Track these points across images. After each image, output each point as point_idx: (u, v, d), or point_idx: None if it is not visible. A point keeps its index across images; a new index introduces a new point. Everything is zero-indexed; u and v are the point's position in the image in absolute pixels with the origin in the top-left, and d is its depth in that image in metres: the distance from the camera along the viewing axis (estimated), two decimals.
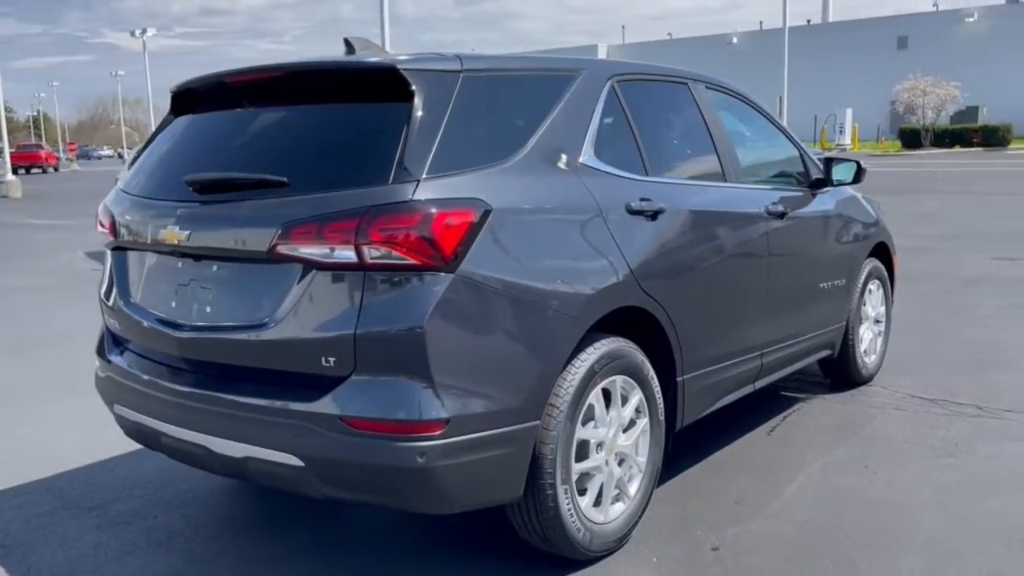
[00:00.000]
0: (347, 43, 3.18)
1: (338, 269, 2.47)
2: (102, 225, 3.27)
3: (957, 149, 41.91)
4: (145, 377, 2.94)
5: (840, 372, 4.99)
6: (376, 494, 2.58)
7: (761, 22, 72.05)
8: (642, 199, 3.14)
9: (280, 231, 2.52)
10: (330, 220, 2.46)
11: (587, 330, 2.82)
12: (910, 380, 5.18)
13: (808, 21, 66.39)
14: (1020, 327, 6.51)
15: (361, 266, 2.44)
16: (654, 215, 3.18)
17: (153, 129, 3.45)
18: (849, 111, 44.71)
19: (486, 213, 2.55)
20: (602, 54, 66.21)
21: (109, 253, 3.25)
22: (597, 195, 2.99)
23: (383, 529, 3.39)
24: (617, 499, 3.04)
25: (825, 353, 4.72)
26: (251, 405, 2.61)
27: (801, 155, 4.57)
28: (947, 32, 56.80)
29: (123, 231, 3.09)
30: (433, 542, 3.24)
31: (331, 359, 2.47)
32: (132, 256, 3.12)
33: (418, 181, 2.48)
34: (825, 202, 4.57)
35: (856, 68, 58.23)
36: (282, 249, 2.53)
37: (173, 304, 2.87)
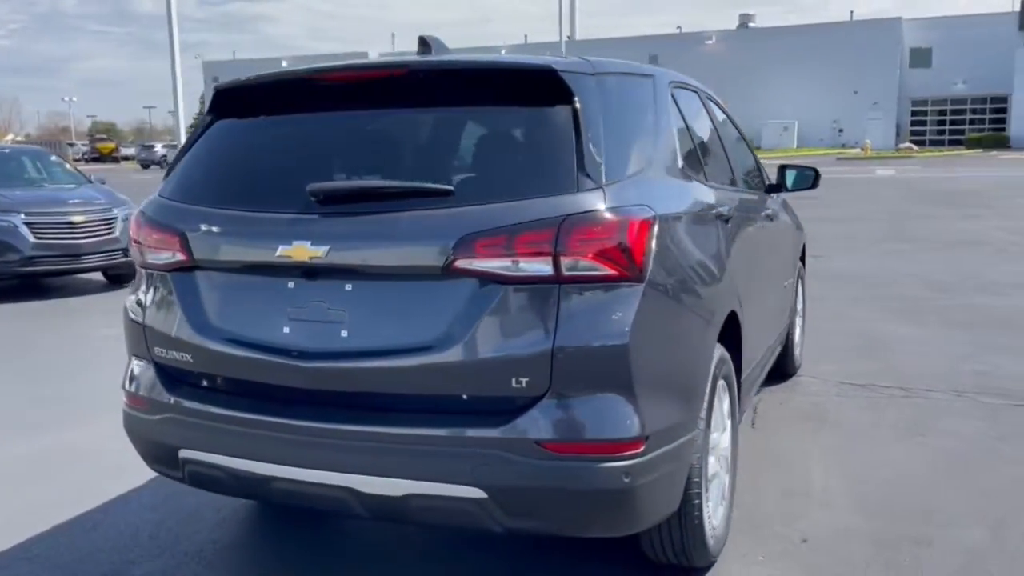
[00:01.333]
0: (423, 42, 2.95)
1: (530, 283, 2.29)
2: (138, 243, 2.79)
3: None
4: (243, 415, 2.54)
5: (780, 365, 5.35)
6: (567, 522, 2.42)
7: (526, 36, 74.95)
8: (719, 204, 3.20)
9: (459, 244, 2.30)
10: (521, 231, 2.28)
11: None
12: (826, 368, 5.65)
13: (569, 38, 70.03)
14: (874, 316, 7.33)
15: (557, 279, 2.28)
16: (727, 220, 3.25)
17: None
18: None
19: (654, 219, 2.48)
20: None
21: (167, 275, 2.74)
22: (701, 201, 3.01)
23: (463, 551, 3.18)
24: (719, 502, 3.08)
25: (779, 348, 5.05)
26: (416, 436, 2.34)
27: (755, 160, 4.85)
28: (691, 52, 62.41)
29: (203, 248, 2.65)
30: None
31: (523, 379, 2.29)
32: (207, 276, 2.67)
33: (602, 188, 2.36)
34: (780, 206, 4.89)
35: None
36: (462, 264, 2.30)
37: (285, 330, 2.50)
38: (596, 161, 2.40)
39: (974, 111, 58.19)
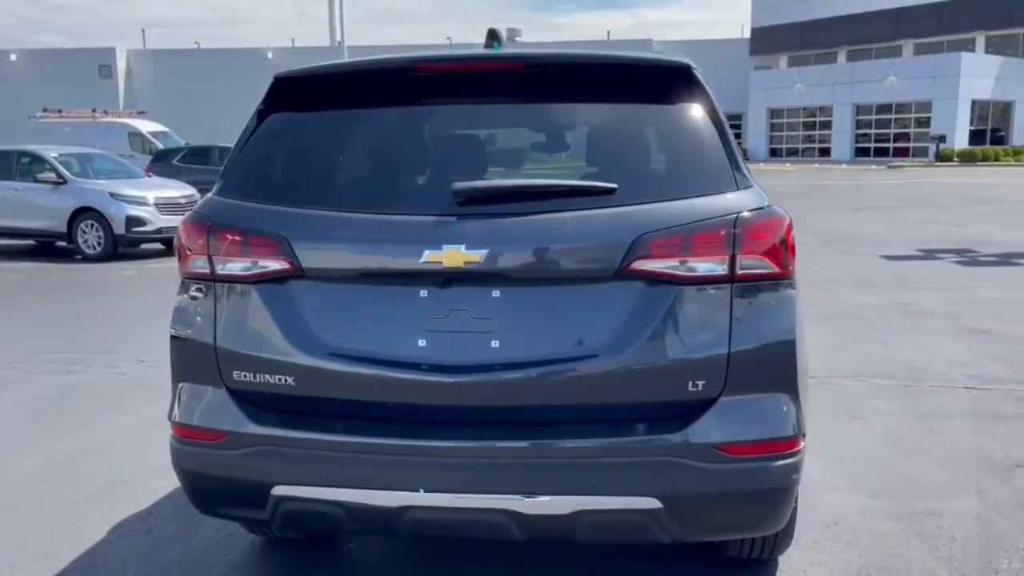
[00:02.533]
0: (493, 34, 2.80)
1: (704, 283, 2.25)
2: (197, 251, 2.41)
3: None
4: (369, 440, 2.27)
5: None
6: (733, 525, 2.38)
7: (293, 39, 72.80)
8: None
9: (635, 245, 2.20)
10: (696, 230, 2.23)
11: None
12: None
13: (339, 43, 68.98)
14: None
15: (730, 278, 2.25)
16: None
17: None
18: None
19: None
20: (121, 60, 60.77)
21: (250, 287, 2.38)
22: None
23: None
24: None
25: None
26: (584, 449, 2.22)
27: None
28: None
29: (318, 256, 2.33)
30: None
31: (700, 382, 2.23)
32: (313, 287, 2.35)
33: (753, 185, 2.37)
34: None
35: None
36: (639, 265, 2.21)
37: (421, 343, 2.26)
38: (738, 158, 2.40)
39: None
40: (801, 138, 54.39)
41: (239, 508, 2.48)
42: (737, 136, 63.59)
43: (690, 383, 2.24)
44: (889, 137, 48.36)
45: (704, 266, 2.24)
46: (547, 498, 2.23)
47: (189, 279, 2.49)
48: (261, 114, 2.57)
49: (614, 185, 2.29)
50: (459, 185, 2.26)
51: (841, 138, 50.83)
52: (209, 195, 2.55)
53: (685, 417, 2.25)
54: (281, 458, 2.33)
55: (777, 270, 2.32)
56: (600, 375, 2.22)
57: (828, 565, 3.05)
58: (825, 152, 51.81)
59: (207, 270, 2.43)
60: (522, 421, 2.28)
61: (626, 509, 2.24)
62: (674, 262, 2.23)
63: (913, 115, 47.46)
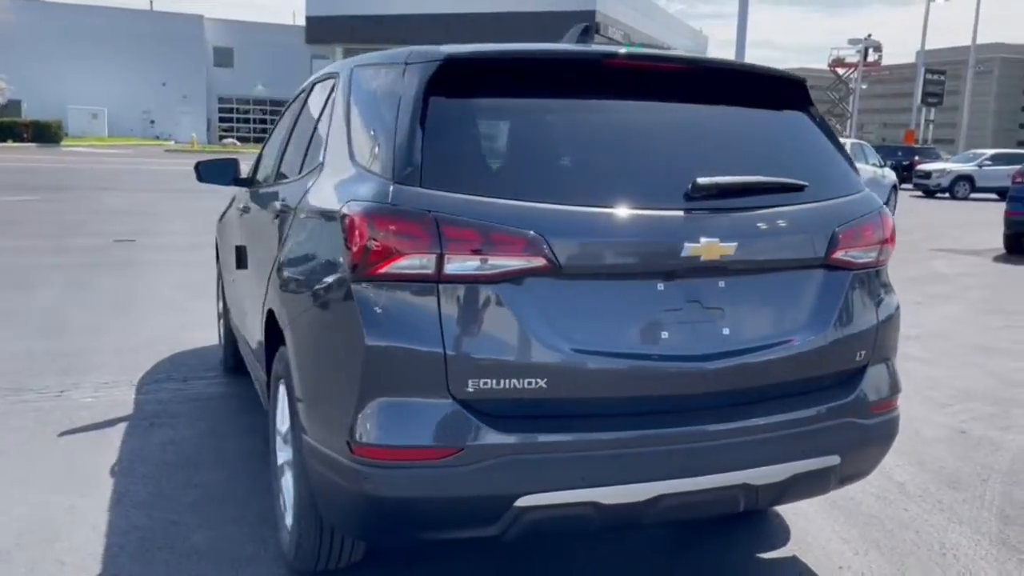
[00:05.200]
0: (589, 29, 2.85)
1: (866, 268, 2.63)
2: (418, 249, 2.14)
3: (10, 143, 40.70)
4: (625, 434, 2.26)
5: None
6: (865, 471, 2.79)
7: None
8: None
9: (835, 236, 2.52)
10: (864, 223, 2.62)
11: None
12: None
13: None
14: None
15: (877, 263, 2.68)
16: None
17: None
18: None
19: None
20: None
21: (488, 288, 2.16)
22: None
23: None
24: None
25: None
26: (795, 420, 2.48)
27: None
28: None
29: (579, 253, 2.23)
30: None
31: (862, 352, 2.62)
32: (558, 286, 2.22)
33: (866, 188, 2.80)
34: None
35: None
36: (836, 255, 2.53)
37: (664, 335, 2.30)
38: (851, 162, 2.82)
39: (274, 112, 63.59)
40: None
41: (458, 529, 2.23)
42: None
43: (858, 354, 2.62)
44: None
45: (868, 254, 2.64)
46: (771, 468, 2.45)
47: (395, 281, 2.14)
48: (432, 94, 2.30)
49: (806, 183, 2.56)
50: (702, 180, 2.34)
51: None
52: (381, 183, 2.23)
53: (852, 382, 2.63)
54: (530, 465, 2.19)
55: (888, 255, 2.79)
56: (804, 353, 2.49)
57: (813, 503, 3.62)
58: None
59: (430, 270, 2.13)
60: (749, 401, 2.45)
61: (821, 468, 2.55)
62: (852, 251, 2.59)
63: None
